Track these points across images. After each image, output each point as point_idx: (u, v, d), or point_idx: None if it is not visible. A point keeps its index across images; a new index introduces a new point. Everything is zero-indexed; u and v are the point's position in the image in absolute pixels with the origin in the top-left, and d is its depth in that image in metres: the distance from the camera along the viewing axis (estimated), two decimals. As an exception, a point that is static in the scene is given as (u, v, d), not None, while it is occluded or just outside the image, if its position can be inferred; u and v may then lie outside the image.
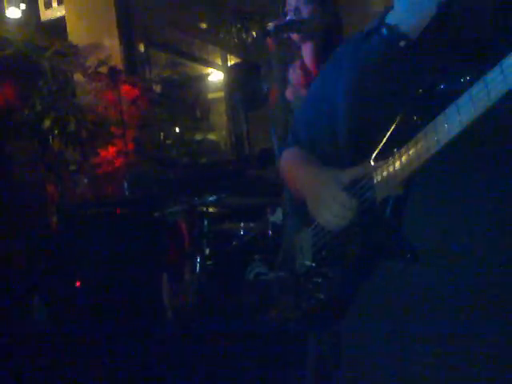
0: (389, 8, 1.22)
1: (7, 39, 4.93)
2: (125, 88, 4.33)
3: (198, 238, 3.67)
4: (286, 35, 1.94)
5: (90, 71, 4.60)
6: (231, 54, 7.07)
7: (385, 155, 1.02)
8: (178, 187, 3.95)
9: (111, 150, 4.55)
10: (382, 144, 1.04)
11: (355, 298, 1.11)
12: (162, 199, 3.79)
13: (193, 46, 6.84)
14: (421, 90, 0.97)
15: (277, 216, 3.07)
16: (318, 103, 1.31)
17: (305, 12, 1.99)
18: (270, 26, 1.89)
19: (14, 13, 5.14)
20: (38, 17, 5.32)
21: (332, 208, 1.09)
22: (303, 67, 2.10)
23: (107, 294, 3.50)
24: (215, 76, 7.59)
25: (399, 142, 0.99)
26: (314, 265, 1.21)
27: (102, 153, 4.53)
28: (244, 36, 5.95)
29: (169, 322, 3.44)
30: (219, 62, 7.34)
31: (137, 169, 4.19)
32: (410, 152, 0.95)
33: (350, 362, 1.19)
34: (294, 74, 2.10)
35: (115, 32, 4.95)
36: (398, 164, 0.97)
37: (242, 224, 3.67)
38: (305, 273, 1.24)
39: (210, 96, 7.71)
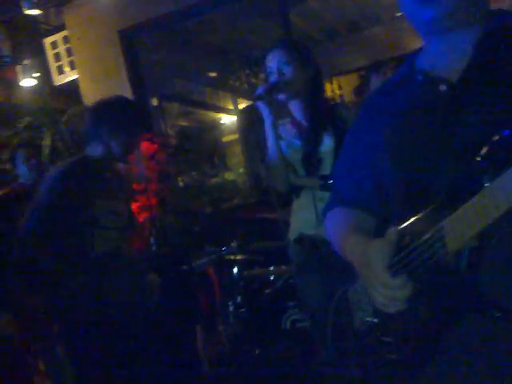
0: (416, 52, 1.16)
1: (23, 107, 5.08)
2: (143, 144, 4.39)
3: (229, 287, 3.65)
4: (274, 97, 2.01)
5: (107, 131, 4.68)
6: (241, 97, 7.18)
7: (441, 206, 0.94)
8: (204, 237, 3.95)
9: (134, 205, 4.58)
10: (438, 193, 0.96)
11: (435, 359, 1.04)
12: (190, 251, 3.79)
13: (204, 94, 6.96)
14: (477, 136, 0.90)
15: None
16: (358, 159, 1.24)
17: (287, 72, 2.05)
18: (259, 90, 1.97)
19: (28, 82, 5.31)
20: (52, 83, 5.47)
21: (381, 292, 0.99)
22: (294, 123, 2.16)
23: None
24: (227, 119, 7.71)
25: (457, 192, 0.91)
26: (376, 321, 1.12)
27: (126, 209, 4.56)
28: (253, 80, 6.04)
29: (205, 374, 3.39)
30: (231, 106, 7.46)
31: (161, 222, 4.21)
32: (478, 207, 0.85)
33: None
34: (285, 131, 2.16)
35: (128, 90, 5.04)
36: (469, 215, 0.87)
37: (271, 268, 3.65)
38: (368, 330, 1.15)
39: (224, 139, 7.81)
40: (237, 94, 7.12)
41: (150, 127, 5.13)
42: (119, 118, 2.44)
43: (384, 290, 0.99)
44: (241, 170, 7.16)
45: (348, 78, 7.10)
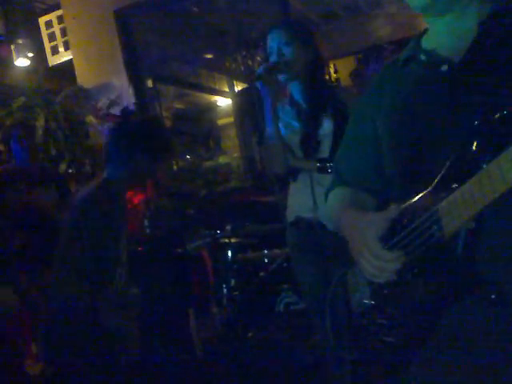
0: (422, 32, 1.18)
1: (17, 87, 5.02)
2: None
3: (223, 270, 3.65)
4: (273, 77, 1.98)
5: (101, 113, 4.64)
6: (237, 80, 7.11)
7: (440, 187, 0.95)
8: (198, 220, 3.94)
9: (128, 188, 4.56)
10: (437, 175, 0.96)
11: (429, 341, 1.04)
12: (184, 234, 3.78)
13: (199, 76, 6.90)
14: (477, 117, 0.91)
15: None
16: (360, 137, 1.26)
17: (287, 52, 2.03)
18: (259, 69, 1.94)
19: (22, 62, 5.24)
20: (46, 63, 5.40)
21: (371, 262, 1.02)
22: (293, 104, 2.13)
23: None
24: (223, 102, 7.65)
25: (456, 173, 0.92)
26: (373, 303, 1.14)
27: (120, 191, 4.54)
28: (250, 62, 5.99)
29: (198, 357, 3.40)
30: (226, 89, 7.40)
31: (156, 205, 4.20)
32: (475, 189, 0.86)
33: None
34: (284, 112, 2.14)
35: (123, 71, 4.99)
36: (466, 197, 0.88)
37: (265, 252, 3.65)
38: (364, 312, 1.17)
39: (220, 122, 7.76)
40: (233, 76, 7.06)
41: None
42: (146, 141, 2.27)
43: (375, 260, 1.01)
44: (235, 154, 7.14)
45: (345, 61, 7.04)
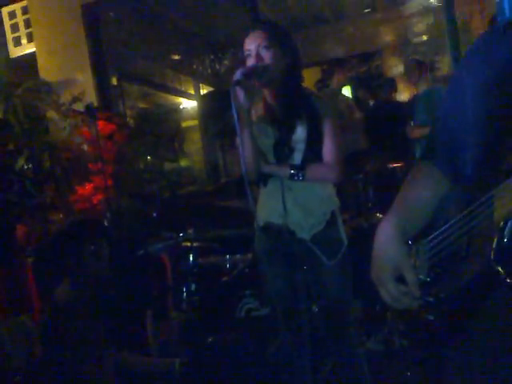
0: None
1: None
2: (100, 124, 4.26)
3: (184, 274, 3.60)
4: (251, 81, 1.95)
5: (63, 108, 4.53)
6: (204, 83, 7.08)
7: None
8: (161, 223, 3.88)
9: (88, 186, 4.46)
10: None
11: (467, 327, 1.07)
12: (145, 236, 3.72)
13: (165, 77, 6.83)
14: None
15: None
16: (459, 107, 1.18)
17: (266, 57, 2.01)
18: (237, 75, 1.90)
19: (-18, 51, 5.06)
20: (7, 54, 5.23)
21: (388, 285, 1.07)
22: (267, 108, 2.12)
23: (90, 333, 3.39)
24: (187, 104, 7.59)
25: None
26: (429, 280, 1.15)
27: (79, 190, 4.43)
28: (217, 66, 5.96)
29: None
30: (192, 91, 7.35)
31: (116, 205, 4.11)
32: None
33: None
34: (257, 116, 2.12)
35: (87, 67, 4.89)
36: None
37: (227, 257, 3.62)
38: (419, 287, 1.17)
39: (184, 124, 7.70)
40: (199, 78, 7.02)
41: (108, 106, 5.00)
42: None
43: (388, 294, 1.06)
44: (196, 158, 7.10)
45: (310, 71, 7.11)
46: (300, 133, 2.04)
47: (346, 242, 2.14)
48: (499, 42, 1.09)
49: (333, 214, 2.12)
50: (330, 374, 2.64)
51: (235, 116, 1.89)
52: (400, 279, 1.13)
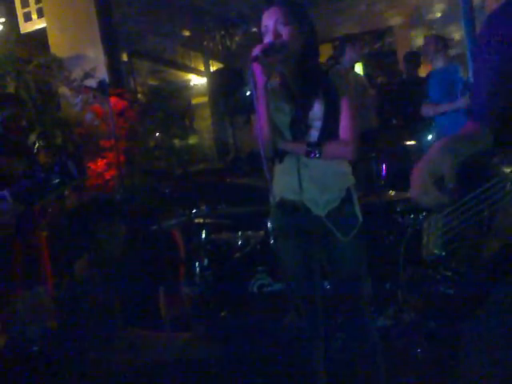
0: None
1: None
2: (112, 100, 4.26)
3: (196, 250, 3.63)
4: (269, 58, 1.94)
5: (75, 84, 4.53)
6: (214, 59, 7.04)
7: None
8: (173, 199, 3.90)
9: (101, 163, 4.48)
10: None
11: (484, 304, 1.08)
12: (158, 212, 3.74)
13: (175, 53, 6.80)
14: None
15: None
16: (487, 75, 1.24)
17: (284, 33, 2.00)
18: (256, 51, 1.89)
19: (-8, 27, 5.05)
20: (18, 30, 5.22)
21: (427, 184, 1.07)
22: (284, 85, 2.11)
23: (104, 308, 3.45)
24: (197, 81, 7.56)
25: None
26: (444, 254, 1.17)
27: (92, 166, 4.46)
28: (228, 43, 5.92)
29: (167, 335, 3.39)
30: (202, 68, 7.31)
31: (129, 181, 4.13)
32: None
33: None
34: (274, 93, 2.11)
35: (98, 43, 4.87)
36: None
37: (239, 233, 3.65)
38: (433, 262, 1.20)
39: (194, 101, 7.68)
40: (209, 55, 6.98)
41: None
42: None
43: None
44: (206, 135, 7.09)
45: (322, 47, 7.05)
46: (317, 110, 2.04)
47: (360, 218, 2.13)
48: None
49: (348, 190, 2.12)
50: (342, 348, 2.67)
51: (253, 92, 1.88)
52: None
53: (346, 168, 2.16)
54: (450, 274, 1.15)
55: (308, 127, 2.05)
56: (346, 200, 2.11)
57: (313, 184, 2.08)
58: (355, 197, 2.14)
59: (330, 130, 2.06)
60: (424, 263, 1.24)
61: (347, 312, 2.22)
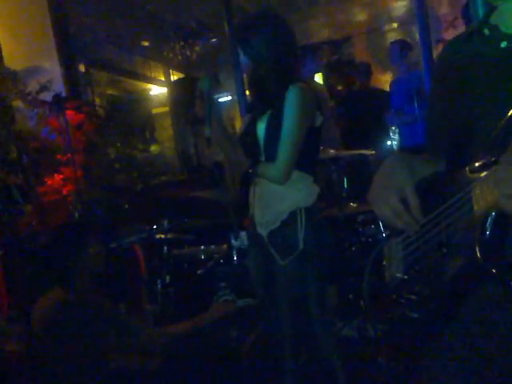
0: (493, 8, 1.19)
1: None
2: (69, 113, 4.16)
3: (158, 266, 3.57)
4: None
5: (30, 97, 4.40)
6: (174, 69, 6.99)
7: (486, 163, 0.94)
8: (133, 214, 3.83)
9: (57, 177, 4.36)
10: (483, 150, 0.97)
11: (451, 322, 1.07)
12: (117, 228, 3.66)
13: (134, 63, 6.71)
14: None
15: (241, 241, 3.01)
16: (435, 110, 1.29)
17: (243, 67, 2.15)
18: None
19: None
20: (-30, 40, 5.05)
21: (390, 199, 1.07)
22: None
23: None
24: (158, 91, 7.49)
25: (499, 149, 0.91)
26: (406, 278, 1.15)
27: (48, 181, 4.34)
28: (188, 52, 5.88)
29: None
30: (162, 77, 7.25)
31: (87, 197, 4.03)
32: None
33: None
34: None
35: (54, 54, 4.76)
36: (498, 176, 0.86)
37: (202, 248, 3.60)
38: (396, 286, 1.19)
39: (154, 111, 7.60)
40: (169, 65, 6.92)
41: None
42: None
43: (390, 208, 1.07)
44: (167, 145, 7.03)
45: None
46: (261, 127, 2.03)
47: (301, 246, 2.03)
48: (464, 47, 1.18)
49: (292, 214, 2.05)
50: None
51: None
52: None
53: (298, 191, 2.08)
54: (413, 297, 1.14)
55: (254, 145, 2.06)
56: (288, 223, 2.05)
57: (258, 202, 2.10)
58: (302, 222, 2.05)
59: (272, 150, 2.03)
60: (387, 287, 1.23)
61: (294, 334, 2.18)
